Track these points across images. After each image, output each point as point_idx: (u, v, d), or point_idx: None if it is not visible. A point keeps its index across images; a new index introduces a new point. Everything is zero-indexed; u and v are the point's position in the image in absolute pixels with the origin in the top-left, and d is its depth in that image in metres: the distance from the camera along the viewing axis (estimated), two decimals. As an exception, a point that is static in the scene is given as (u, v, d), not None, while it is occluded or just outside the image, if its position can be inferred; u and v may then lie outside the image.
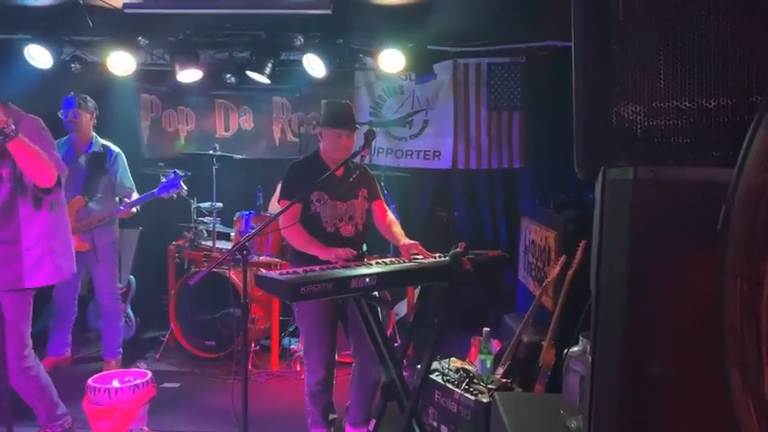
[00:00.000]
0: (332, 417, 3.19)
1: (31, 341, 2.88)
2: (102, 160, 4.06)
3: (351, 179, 2.95)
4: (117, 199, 4.19)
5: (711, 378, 1.22)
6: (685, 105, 1.47)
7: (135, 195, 4.16)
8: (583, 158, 1.45)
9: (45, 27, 4.70)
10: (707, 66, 1.47)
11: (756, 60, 1.42)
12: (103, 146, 4.11)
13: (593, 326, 1.38)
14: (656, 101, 1.47)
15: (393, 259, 2.88)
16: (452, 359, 3.37)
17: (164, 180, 4.08)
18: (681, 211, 1.29)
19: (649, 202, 1.28)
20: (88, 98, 4.03)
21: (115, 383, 2.98)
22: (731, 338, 0.64)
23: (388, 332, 4.42)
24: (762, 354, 0.57)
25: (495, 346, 3.80)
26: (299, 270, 2.50)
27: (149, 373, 3.12)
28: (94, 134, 4.09)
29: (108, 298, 4.15)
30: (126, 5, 4.19)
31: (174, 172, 4.13)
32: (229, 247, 4.43)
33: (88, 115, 4.03)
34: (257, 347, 4.58)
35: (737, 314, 0.61)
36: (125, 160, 4.19)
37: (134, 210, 4.11)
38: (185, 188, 4.16)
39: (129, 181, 4.20)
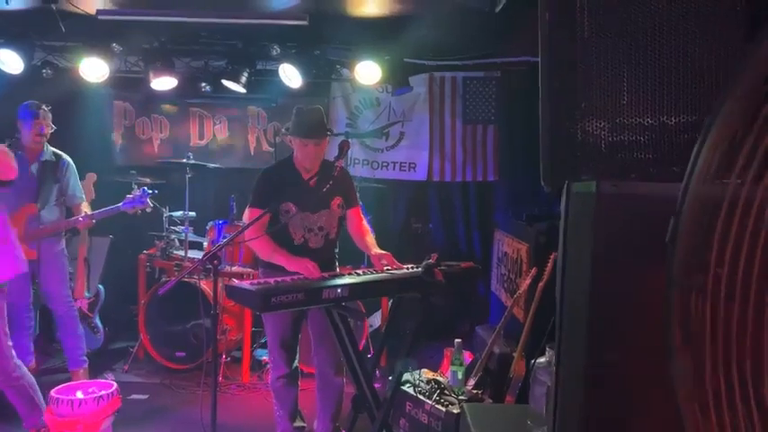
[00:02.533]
0: (299, 424, 3.16)
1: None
2: (54, 169, 3.99)
3: (324, 188, 2.91)
4: (64, 209, 4.09)
5: (674, 391, 1.24)
6: (648, 122, 1.51)
7: (84, 205, 4.08)
8: (548, 172, 1.48)
9: (17, 32, 4.62)
10: (668, 83, 1.52)
11: (715, 78, 1.47)
12: (54, 154, 4.02)
13: (557, 337, 1.40)
14: (619, 117, 1.50)
15: (365, 270, 2.88)
16: (424, 370, 3.38)
17: (130, 195, 4.02)
18: (643, 224, 1.32)
19: (612, 215, 1.31)
20: (45, 106, 3.95)
21: (79, 395, 2.91)
22: (677, 355, 0.65)
23: (362, 343, 4.41)
24: (706, 371, 0.59)
25: (468, 357, 3.82)
26: (271, 280, 2.49)
27: (115, 385, 3.06)
28: (45, 142, 4.02)
29: (60, 305, 4.05)
30: (99, 12, 4.14)
31: (143, 189, 4.07)
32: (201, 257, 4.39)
33: (51, 125, 3.97)
34: (228, 359, 4.52)
35: (678, 326, 0.62)
36: (75, 170, 4.13)
37: (93, 221, 4.04)
38: (151, 205, 4.09)
39: (80, 191, 4.12)
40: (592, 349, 1.28)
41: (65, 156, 4.08)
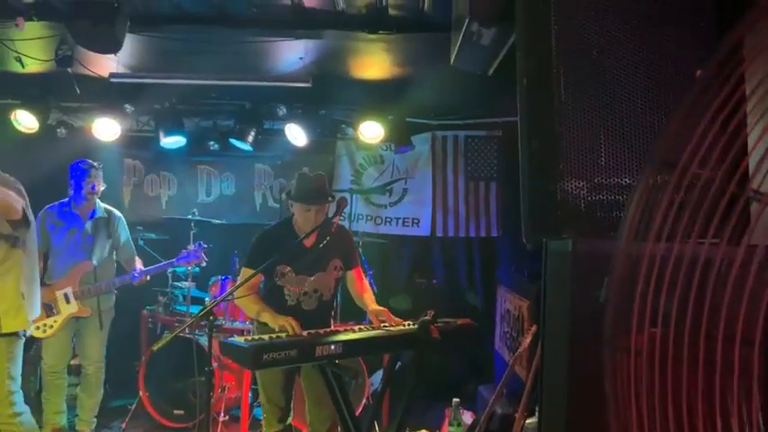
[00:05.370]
0: None
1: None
2: (106, 225, 4.06)
3: (321, 248, 2.93)
4: (116, 263, 4.16)
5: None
6: (626, 181, 1.54)
7: (137, 261, 4.15)
8: (529, 230, 1.51)
9: (34, 93, 4.82)
10: (645, 144, 1.56)
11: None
12: (106, 210, 4.11)
13: (539, 397, 1.39)
14: (598, 177, 1.54)
15: (362, 327, 2.87)
16: (423, 431, 3.30)
17: (185, 251, 4.10)
18: (620, 283, 1.33)
19: (588, 274, 1.32)
20: (96, 164, 4.02)
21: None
22: (613, 413, 0.66)
23: (363, 402, 4.32)
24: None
25: (469, 417, 3.73)
26: (265, 336, 2.49)
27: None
28: (97, 199, 4.10)
29: (92, 364, 4.05)
30: (112, 75, 4.33)
31: (199, 243, 4.16)
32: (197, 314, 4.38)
33: (103, 182, 4.04)
34: (226, 417, 4.44)
35: (612, 385, 0.63)
36: (126, 224, 4.21)
37: (147, 277, 4.09)
38: (206, 259, 4.19)
39: (132, 245, 4.21)
40: (571, 407, 1.27)
41: (115, 211, 4.18)
